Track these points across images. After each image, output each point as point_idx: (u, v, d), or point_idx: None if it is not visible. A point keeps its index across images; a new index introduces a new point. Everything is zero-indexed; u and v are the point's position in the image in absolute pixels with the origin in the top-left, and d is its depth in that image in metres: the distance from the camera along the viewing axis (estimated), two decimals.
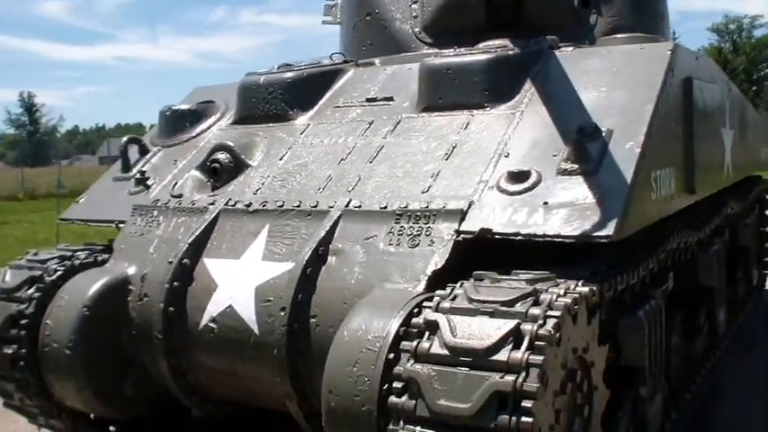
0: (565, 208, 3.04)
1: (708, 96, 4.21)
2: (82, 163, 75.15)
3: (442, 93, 3.90)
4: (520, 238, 3.03)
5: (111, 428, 4.21)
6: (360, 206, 3.47)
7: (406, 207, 3.35)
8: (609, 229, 2.89)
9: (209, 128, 4.74)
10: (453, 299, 2.74)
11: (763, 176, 7.47)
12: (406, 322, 2.78)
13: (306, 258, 3.32)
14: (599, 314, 2.96)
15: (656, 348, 3.62)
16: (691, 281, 4.67)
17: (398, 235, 3.26)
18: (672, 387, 4.20)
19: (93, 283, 3.79)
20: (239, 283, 3.51)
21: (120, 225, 4.21)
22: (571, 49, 4.11)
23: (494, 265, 2.98)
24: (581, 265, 3.05)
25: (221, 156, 4.18)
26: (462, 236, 3.13)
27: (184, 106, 4.91)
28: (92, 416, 4.03)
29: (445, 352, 2.54)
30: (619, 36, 4.32)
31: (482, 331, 2.53)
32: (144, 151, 4.74)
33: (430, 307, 2.73)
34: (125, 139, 4.78)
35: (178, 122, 4.81)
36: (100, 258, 4.12)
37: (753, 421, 4.72)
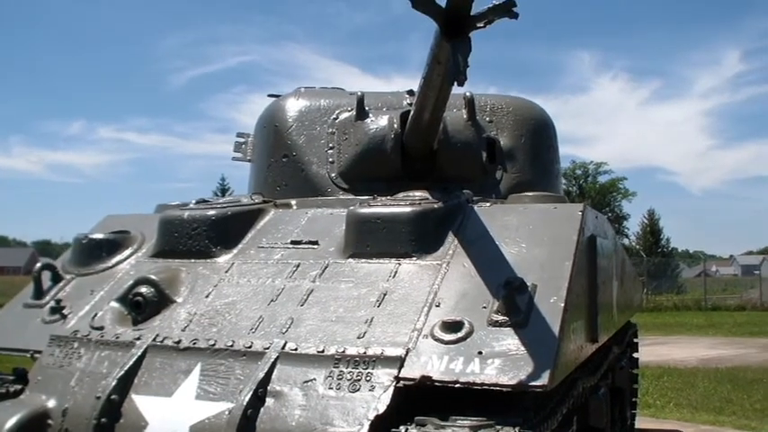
0: (499, 358, 3.26)
1: (605, 251, 4.62)
2: None
3: (370, 241, 4.11)
4: (458, 385, 3.21)
5: None
6: (296, 349, 3.57)
7: (343, 352, 3.48)
8: (543, 379, 3.13)
9: (125, 259, 4.74)
10: None
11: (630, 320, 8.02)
12: None
13: (246, 400, 3.36)
14: None
15: None
16: (582, 423, 4.95)
17: (338, 379, 3.38)
18: None
19: (9, 417, 3.65)
20: (172, 421, 3.49)
21: (36, 355, 4.12)
22: (489, 204, 4.44)
23: (426, 407, 3.15)
24: (511, 411, 3.26)
25: (144, 289, 4.19)
26: (402, 382, 3.29)
27: (101, 235, 4.89)
28: None
29: None
30: (529, 194, 4.69)
31: None
32: (57, 278, 4.68)
33: None
34: (39, 264, 4.71)
35: (94, 251, 4.79)
36: (12, 389, 3.99)
37: None
